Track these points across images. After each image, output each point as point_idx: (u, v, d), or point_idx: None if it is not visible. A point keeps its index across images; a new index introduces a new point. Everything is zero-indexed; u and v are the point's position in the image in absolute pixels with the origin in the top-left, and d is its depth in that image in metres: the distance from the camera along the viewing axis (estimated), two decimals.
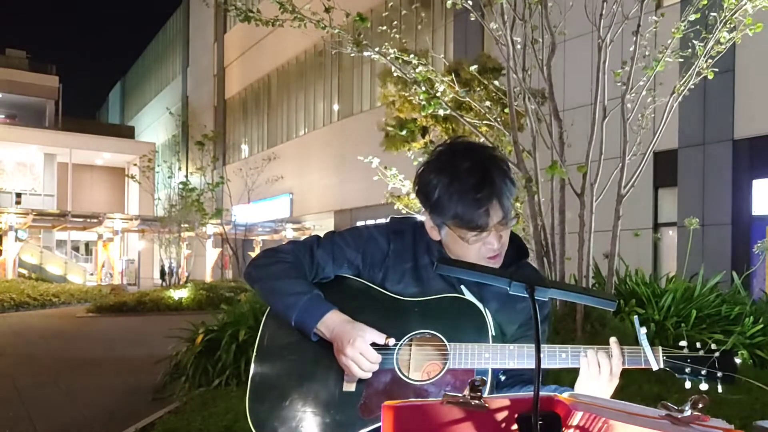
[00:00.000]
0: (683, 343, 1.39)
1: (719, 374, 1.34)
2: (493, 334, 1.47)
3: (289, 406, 1.48)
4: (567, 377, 1.93)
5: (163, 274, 24.60)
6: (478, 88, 8.95)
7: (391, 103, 10.60)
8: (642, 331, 1.36)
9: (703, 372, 1.35)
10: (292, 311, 1.48)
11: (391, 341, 1.44)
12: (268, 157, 24.88)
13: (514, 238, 1.60)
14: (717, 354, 1.36)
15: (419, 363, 1.46)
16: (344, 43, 5.75)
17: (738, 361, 1.38)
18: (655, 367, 1.37)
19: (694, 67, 5.33)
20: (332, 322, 1.46)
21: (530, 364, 1.38)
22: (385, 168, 7.02)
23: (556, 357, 1.39)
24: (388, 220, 1.66)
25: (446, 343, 1.42)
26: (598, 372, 1.37)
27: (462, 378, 1.40)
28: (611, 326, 5.09)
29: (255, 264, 1.61)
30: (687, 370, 1.36)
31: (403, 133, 10.23)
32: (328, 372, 1.48)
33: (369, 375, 1.43)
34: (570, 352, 1.39)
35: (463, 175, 1.43)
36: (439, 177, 1.46)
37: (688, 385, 1.36)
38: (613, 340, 1.40)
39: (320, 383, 1.48)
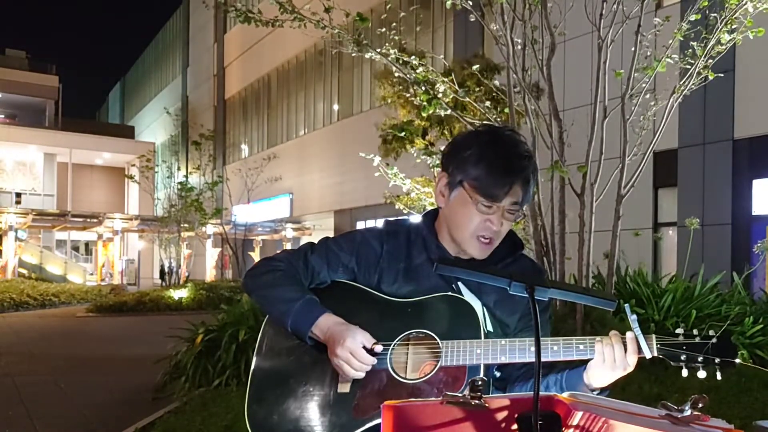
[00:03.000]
0: (680, 330, 1.34)
1: (717, 360, 1.29)
2: (490, 330, 1.47)
3: (287, 410, 1.49)
4: None
5: (162, 274, 24.57)
6: (477, 89, 8.95)
7: (391, 103, 10.59)
8: (633, 318, 1.32)
9: (700, 359, 1.30)
10: (287, 317, 1.50)
11: (379, 348, 1.44)
12: (268, 156, 24.85)
13: (508, 232, 1.61)
14: (714, 340, 1.30)
15: (414, 362, 1.47)
16: (344, 43, 5.74)
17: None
18: (648, 355, 1.33)
19: (694, 67, 5.33)
20: (325, 325, 1.47)
21: (521, 359, 1.38)
22: (387, 165, 7.03)
23: (548, 350, 1.38)
24: (382, 222, 1.67)
25: (438, 341, 1.42)
26: (612, 358, 1.35)
27: (454, 375, 1.40)
28: (611, 326, 5.08)
29: (250, 274, 1.63)
30: (683, 357, 1.31)
31: (402, 134, 10.22)
32: (324, 374, 1.50)
33: (361, 375, 1.43)
34: (562, 344, 1.38)
35: (504, 145, 1.48)
36: (481, 138, 1.51)
37: (684, 373, 1.31)
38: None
39: (317, 386, 1.50)
